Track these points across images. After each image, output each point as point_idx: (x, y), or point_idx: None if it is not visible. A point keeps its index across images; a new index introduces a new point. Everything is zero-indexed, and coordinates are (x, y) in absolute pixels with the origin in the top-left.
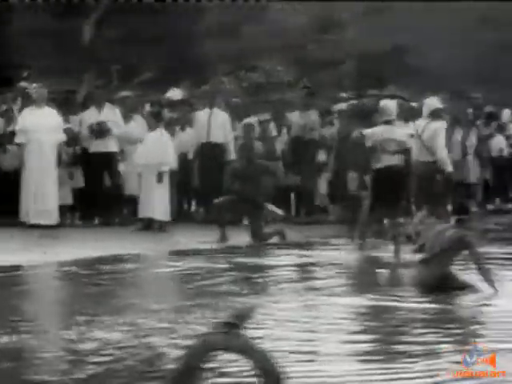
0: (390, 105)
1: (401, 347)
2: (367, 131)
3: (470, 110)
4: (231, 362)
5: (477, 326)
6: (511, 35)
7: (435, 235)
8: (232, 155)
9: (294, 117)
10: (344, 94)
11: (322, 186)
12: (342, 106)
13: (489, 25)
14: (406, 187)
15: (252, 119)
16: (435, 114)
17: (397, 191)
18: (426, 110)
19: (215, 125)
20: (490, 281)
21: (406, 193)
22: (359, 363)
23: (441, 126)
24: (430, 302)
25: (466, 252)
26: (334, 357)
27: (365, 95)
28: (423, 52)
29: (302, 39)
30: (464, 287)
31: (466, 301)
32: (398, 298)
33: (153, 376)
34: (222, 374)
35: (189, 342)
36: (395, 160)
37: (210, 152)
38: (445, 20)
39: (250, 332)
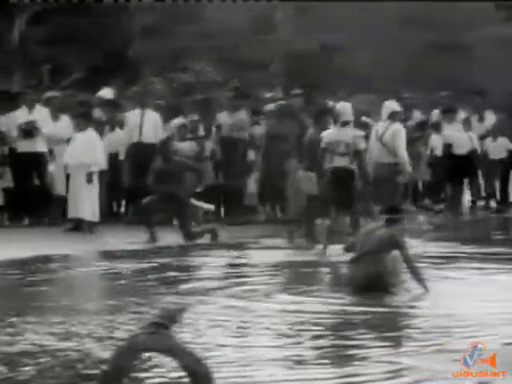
0: (347, 107)
1: (325, 351)
2: (323, 133)
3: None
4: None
5: (404, 329)
6: (435, 35)
7: (365, 235)
8: None
9: (223, 117)
10: (271, 94)
11: (251, 185)
12: (271, 106)
13: (412, 25)
14: (355, 188)
15: (181, 120)
16: (393, 117)
17: (345, 192)
18: (384, 113)
19: (147, 125)
20: (420, 280)
21: (356, 193)
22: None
23: (400, 128)
24: (355, 305)
25: (396, 252)
26: (260, 361)
27: (294, 95)
28: (351, 52)
29: (236, 39)
30: (395, 287)
31: (393, 302)
32: (326, 300)
33: (82, 377)
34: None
35: (117, 343)
36: (344, 161)
37: (142, 152)
38: (369, 20)
39: (178, 333)
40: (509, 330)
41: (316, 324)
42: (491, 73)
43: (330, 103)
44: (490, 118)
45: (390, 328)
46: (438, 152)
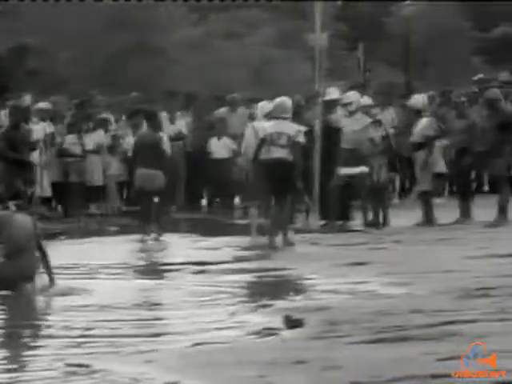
0: (287, 102)
1: None
2: (257, 125)
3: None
4: None
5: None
6: (133, 37)
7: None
8: None
9: None
10: None
11: None
12: None
13: (114, 27)
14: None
15: None
16: (267, 116)
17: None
18: (259, 113)
19: None
20: (49, 272)
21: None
22: None
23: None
24: None
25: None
26: None
27: None
28: (49, 53)
29: None
30: (30, 279)
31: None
32: None
33: None
34: None
35: None
36: (283, 153)
37: None
38: (75, 21)
39: None
40: None
41: None
42: (185, 74)
43: None
44: (182, 119)
45: None
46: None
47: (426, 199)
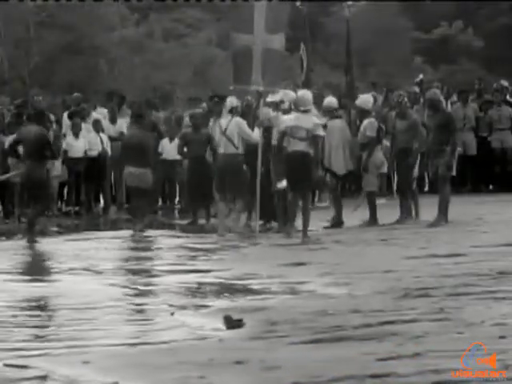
0: (307, 94)
1: None
2: (283, 117)
3: None
4: None
5: None
6: (79, 36)
7: None
8: None
9: None
10: None
11: None
12: None
13: (48, 26)
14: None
15: None
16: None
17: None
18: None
19: None
20: None
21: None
22: None
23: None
24: None
25: None
26: None
27: None
28: None
29: None
30: None
31: None
32: None
33: None
34: None
35: None
36: (302, 146)
37: None
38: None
39: None
40: None
41: None
42: (125, 74)
43: None
44: (123, 119)
45: None
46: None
47: (370, 200)
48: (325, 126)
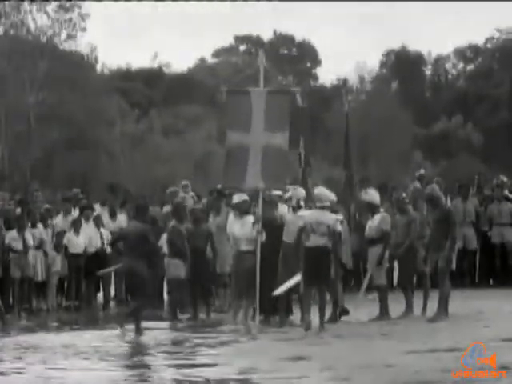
0: (325, 192)
1: None
2: (302, 213)
3: None
4: None
5: None
6: (71, 131)
7: None
8: None
9: None
10: None
11: None
12: None
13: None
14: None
15: None
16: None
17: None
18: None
19: None
20: None
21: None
22: None
23: None
24: None
25: None
26: None
27: None
28: None
29: None
30: None
31: None
32: None
33: None
34: None
35: None
36: (323, 241)
37: None
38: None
39: None
40: None
41: None
42: (126, 169)
43: None
44: (122, 214)
45: None
46: None
47: (381, 293)
48: (341, 222)
